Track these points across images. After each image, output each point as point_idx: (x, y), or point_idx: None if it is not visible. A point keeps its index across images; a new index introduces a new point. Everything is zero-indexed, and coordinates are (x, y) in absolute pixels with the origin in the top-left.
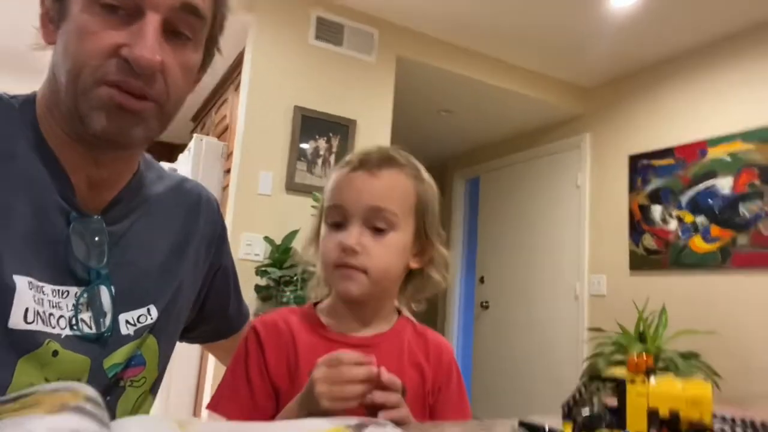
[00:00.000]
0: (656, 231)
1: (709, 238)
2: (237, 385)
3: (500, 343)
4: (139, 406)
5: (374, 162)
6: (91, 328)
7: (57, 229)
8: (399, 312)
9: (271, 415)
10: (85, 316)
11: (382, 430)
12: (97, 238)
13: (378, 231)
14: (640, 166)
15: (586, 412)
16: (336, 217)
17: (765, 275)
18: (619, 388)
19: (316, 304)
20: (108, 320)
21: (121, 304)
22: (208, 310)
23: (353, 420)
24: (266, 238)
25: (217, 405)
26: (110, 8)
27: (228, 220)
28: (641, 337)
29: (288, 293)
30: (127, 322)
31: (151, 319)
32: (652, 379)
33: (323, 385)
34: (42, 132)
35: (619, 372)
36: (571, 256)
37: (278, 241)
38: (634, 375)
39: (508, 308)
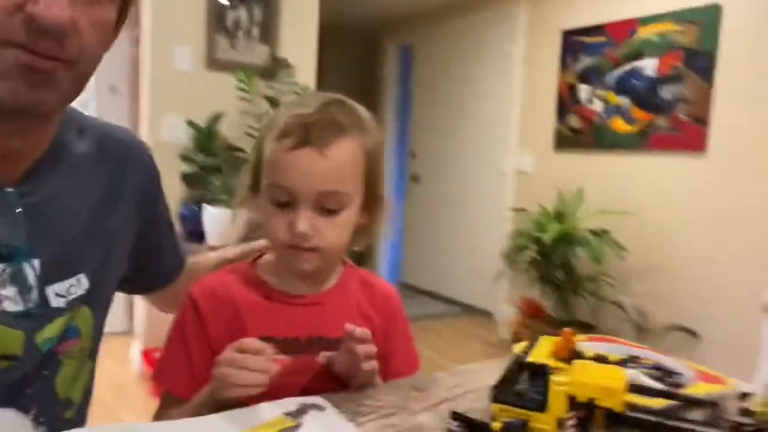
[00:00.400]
0: (582, 111)
1: (630, 120)
2: (178, 357)
3: (430, 216)
4: (78, 376)
5: (320, 136)
6: (18, 303)
7: None
8: (342, 261)
9: None
10: (9, 292)
11: (323, 413)
12: (12, 213)
13: (330, 211)
14: (571, 43)
15: (512, 394)
16: (281, 198)
17: (680, 158)
18: (544, 376)
19: (255, 259)
20: (34, 295)
21: (49, 276)
22: (143, 264)
23: (292, 406)
24: (189, 123)
25: (159, 377)
26: None
27: (144, 101)
28: (559, 217)
29: (215, 182)
30: (57, 294)
31: (83, 289)
32: (574, 362)
33: (225, 368)
34: None
35: (544, 358)
36: (500, 133)
37: (202, 124)
38: (557, 362)
39: (438, 182)
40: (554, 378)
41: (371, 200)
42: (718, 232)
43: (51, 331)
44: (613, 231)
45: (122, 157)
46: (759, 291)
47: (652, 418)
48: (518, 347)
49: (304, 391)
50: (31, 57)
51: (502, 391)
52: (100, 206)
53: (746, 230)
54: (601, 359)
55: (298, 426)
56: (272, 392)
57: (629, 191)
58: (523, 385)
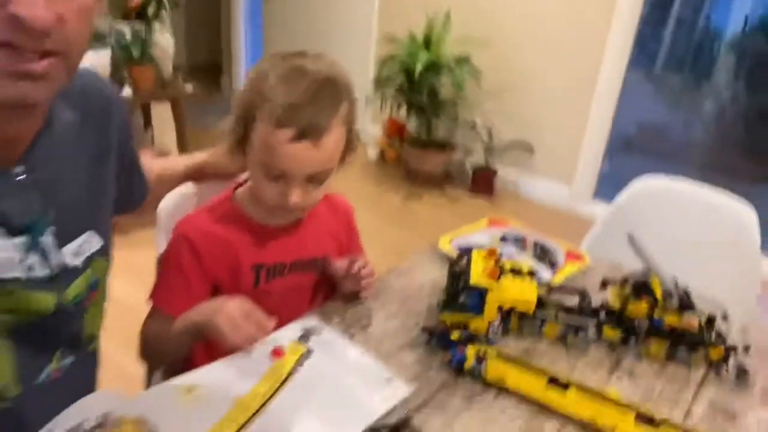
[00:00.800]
0: None
1: None
2: (177, 287)
3: (292, 34)
4: (98, 315)
5: (315, 130)
6: (45, 269)
7: None
8: None
9: None
10: (33, 260)
11: (322, 336)
12: (24, 191)
13: (317, 182)
14: None
15: (457, 305)
16: (274, 173)
17: None
18: (482, 294)
19: (233, 191)
20: (56, 260)
21: (64, 240)
22: (117, 200)
23: (297, 332)
24: None
25: (160, 302)
26: None
27: None
28: (427, 44)
29: None
30: (74, 254)
31: (97, 244)
32: (502, 279)
33: (236, 314)
34: None
35: (480, 278)
36: None
37: None
38: (490, 280)
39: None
40: (491, 293)
41: (346, 152)
42: (556, 56)
43: (76, 289)
44: (474, 55)
45: (104, 114)
46: (582, 108)
47: (548, 317)
48: (443, 242)
49: (296, 306)
50: (22, 58)
51: (450, 304)
52: (93, 165)
53: (577, 55)
54: (516, 271)
55: (309, 351)
56: (275, 309)
57: (493, 15)
58: (464, 298)
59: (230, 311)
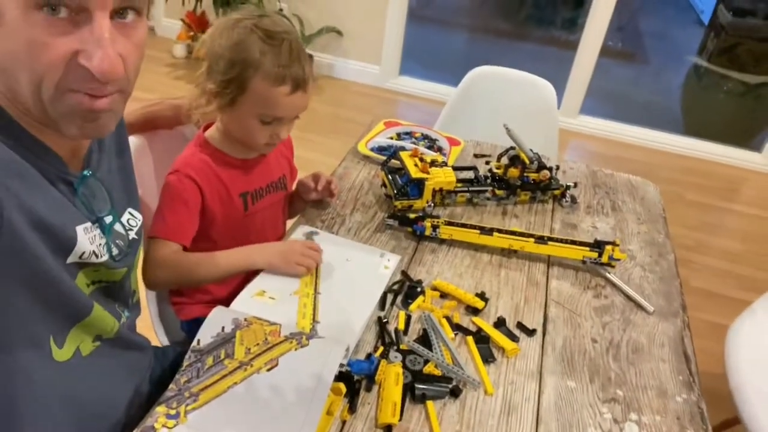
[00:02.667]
0: None
1: None
2: (182, 217)
3: None
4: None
5: (304, 84)
6: (121, 248)
7: (67, 198)
8: None
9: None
10: (112, 243)
11: (319, 235)
12: (99, 190)
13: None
14: None
15: (405, 194)
16: (269, 120)
17: None
18: (420, 183)
19: (204, 130)
20: (126, 239)
21: (122, 221)
22: None
23: (302, 237)
24: None
25: (168, 233)
26: (51, 8)
27: None
28: None
29: None
30: (126, 228)
31: (138, 219)
32: (431, 170)
33: (298, 257)
34: (13, 117)
35: (418, 174)
36: None
37: None
38: (423, 173)
39: None
40: (428, 182)
41: None
42: None
43: (138, 258)
44: None
45: None
46: None
47: (459, 190)
48: (361, 146)
49: (275, 220)
50: (92, 101)
51: (399, 195)
52: (119, 155)
53: None
54: (434, 163)
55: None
56: (262, 226)
57: None
58: (408, 189)
59: (292, 255)
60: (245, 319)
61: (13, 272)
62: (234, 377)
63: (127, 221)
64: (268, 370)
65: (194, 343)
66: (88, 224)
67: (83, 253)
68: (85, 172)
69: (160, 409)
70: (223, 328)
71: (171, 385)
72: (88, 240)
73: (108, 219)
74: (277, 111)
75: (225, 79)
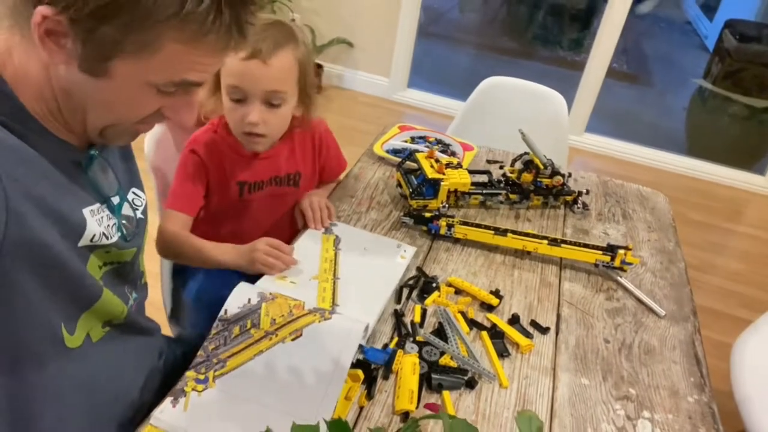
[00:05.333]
0: None
1: None
2: (187, 189)
3: None
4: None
5: (264, 50)
6: (130, 228)
7: (73, 181)
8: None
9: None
10: (121, 224)
11: (339, 226)
12: (107, 169)
13: (274, 105)
14: None
15: (420, 193)
16: (237, 95)
17: None
18: (436, 184)
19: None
20: (135, 218)
21: (129, 200)
22: None
23: (322, 229)
24: None
25: (174, 204)
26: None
27: None
28: None
29: None
30: (133, 208)
31: (143, 198)
32: (447, 171)
33: (264, 257)
34: (25, 106)
35: (434, 174)
36: None
37: None
38: (439, 174)
39: None
40: (443, 183)
41: (304, 97)
42: None
43: (145, 237)
44: None
45: None
46: (393, 7)
47: (473, 192)
48: (377, 147)
49: (277, 210)
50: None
51: (415, 194)
52: None
53: None
54: (450, 165)
55: (338, 238)
56: (257, 213)
57: None
58: (425, 188)
59: (256, 254)
60: (270, 293)
61: (24, 262)
62: (260, 345)
63: (133, 201)
64: (293, 339)
65: (221, 312)
66: (96, 206)
67: (93, 235)
68: (92, 152)
69: (189, 374)
70: (249, 299)
71: (200, 351)
72: (96, 222)
73: (116, 200)
74: (235, 78)
75: None
